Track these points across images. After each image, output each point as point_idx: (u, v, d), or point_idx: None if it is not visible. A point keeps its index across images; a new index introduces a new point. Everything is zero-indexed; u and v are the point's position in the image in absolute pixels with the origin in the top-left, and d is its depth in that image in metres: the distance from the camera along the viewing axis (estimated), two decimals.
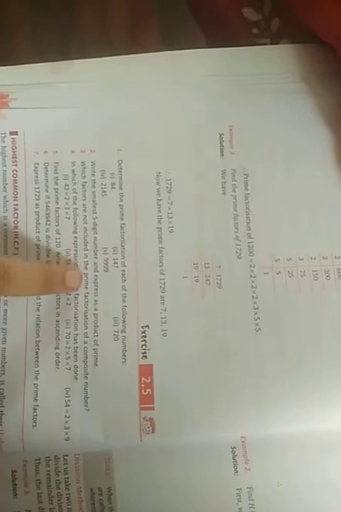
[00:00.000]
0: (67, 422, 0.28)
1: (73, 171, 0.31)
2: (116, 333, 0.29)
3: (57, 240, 0.30)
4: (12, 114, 0.31)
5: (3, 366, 0.29)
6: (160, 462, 0.28)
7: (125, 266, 0.30)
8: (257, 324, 0.29)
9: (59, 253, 0.30)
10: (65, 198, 0.30)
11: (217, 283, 0.30)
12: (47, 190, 0.30)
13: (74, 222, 0.30)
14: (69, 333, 0.29)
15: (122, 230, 0.30)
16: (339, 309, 0.29)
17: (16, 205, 0.30)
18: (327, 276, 0.30)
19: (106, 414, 0.29)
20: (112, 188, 0.31)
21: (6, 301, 0.30)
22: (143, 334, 0.29)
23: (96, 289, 0.30)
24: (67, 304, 0.30)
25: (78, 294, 0.30)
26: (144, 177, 0.31)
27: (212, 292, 0.30)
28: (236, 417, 0.28)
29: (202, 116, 0.31)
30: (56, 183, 0.31)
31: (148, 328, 0.29)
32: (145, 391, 0.29)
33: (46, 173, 0.31)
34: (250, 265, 0.30)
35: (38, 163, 0.31)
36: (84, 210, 0.30)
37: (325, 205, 0.30)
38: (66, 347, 0.29)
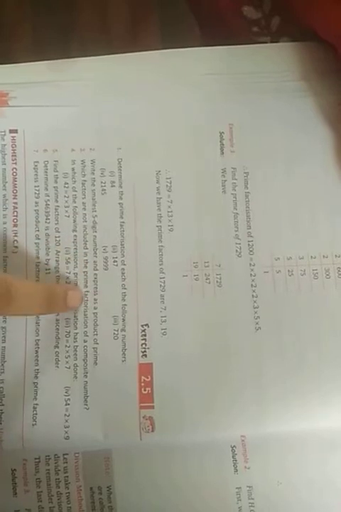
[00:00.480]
0: (66, 420, 0.28)
1: (73, 169, 0.31)
2: (115, 332, 0.29)
3: (57, 239, 0.30)
4: (12, 112, 0.31)
5: (2, 365, 0.29)
6: (159, 461, 0.28)
7: (125, 264, 0.30)
8: (257, 323, 0.29)
9: (58, 251, 0.30)
10: (65, 196, 0.30)
11: (217, 282, 0.30)
12: (46, 189, 0.30)
13: (74, 221, 0.30)
14: (69, 332, 0.29)
15: (122, 229, 0.30)
16: (339, 308, 0.29)
17: (16, 203, 0.30)
18: (327, 275, 0.30)
19: (105, 413, 0.29)
20: (112, 186, 0.31)
21: None
22: (143, 333, 0.29)
23: (96, 288, 0.30)
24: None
25: None
26: (144, 175, 0.31)
27: (212, 291, 0.30)
28: (236, 415, 0.28)
29: (202, 115, 0.31)
30: (56, 182, 0.31)
31: (148, 326, 0.29)
32: (145, 390, 0.29)
33: (46, 172, 0.31)
34: (250, 264, 0.30)
35: (37, 162, 0.31)
36: (84, 209, 0.30)
37: (325, 204, 0.30)
38: (66, 346, 0.29)
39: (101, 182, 0.31)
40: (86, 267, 0.30)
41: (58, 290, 0.29)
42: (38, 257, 0.30)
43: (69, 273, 0.30)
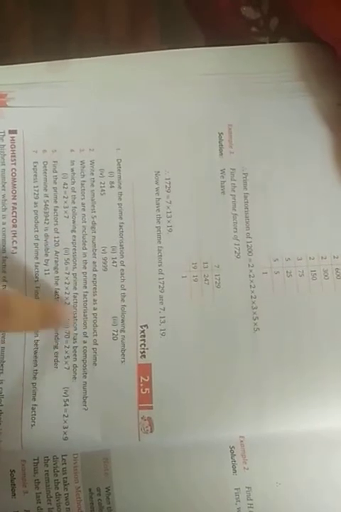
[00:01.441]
0: (65, 421, 0.28)
1: (72, 169, 0.31)
2: (115, 333, 0.29)
3: (56, 239, 0.30)
4: (11, 113, 0.31)
5: (1, 365, 0.29)
6: (158, 462, 0.28)
7: (124, 265, 0.30)
8: (256, 324, 0.29)
9: (57, 252, 0.30)
10: (64, 196, 0.30)
11: (216, 283, 0.30)
12: (46, 189, 0.30)
13: (73, 221, 0.30)
14: (68, 333, 0.29)
15: (121, 229, 0.30)
16: (338, 309, 0.29)
17: (15, 203, 0.30)
18: (326, 276, 0.30)
19: (104, 414, 0.28)
20: (111, 187, 0.31)
21: None
22: (142, 333, 0.29)
23: (95, 289, 0.30)
24: (66, 303, 0.30)
25: (77, 294, 0.30)
26: (143, 176, 0.31)
27: (211, 292, 0.30)
28: (235, 416, 0.28)
29: (201, 115, 0.31)
30: (55, 182, 0.31)
31: (147, 327, 0.29)
32: (143, 390, 0.29)
33: (45, 172, 0.31)
34: (249, 265, 0.30)
35: (36, 162, 0.31)
36: (83, 209, 0.30)
37: (324, 205, 0.30)
38: (65, 346, 0.29)
39: (101, 182, 0.31)
40: (85, 267, 0.30)
41: (52, 307, 0.29)
42: (37, 258, 0.30)
43: (69, 274, 0.30)
